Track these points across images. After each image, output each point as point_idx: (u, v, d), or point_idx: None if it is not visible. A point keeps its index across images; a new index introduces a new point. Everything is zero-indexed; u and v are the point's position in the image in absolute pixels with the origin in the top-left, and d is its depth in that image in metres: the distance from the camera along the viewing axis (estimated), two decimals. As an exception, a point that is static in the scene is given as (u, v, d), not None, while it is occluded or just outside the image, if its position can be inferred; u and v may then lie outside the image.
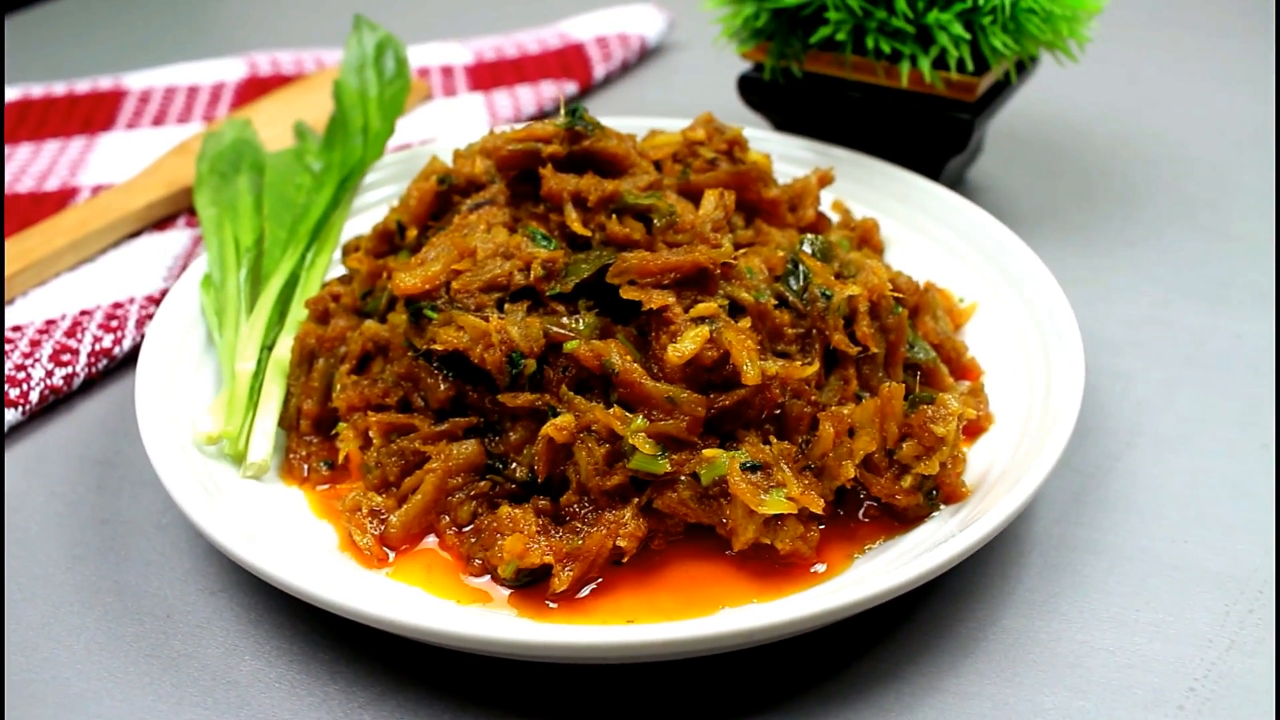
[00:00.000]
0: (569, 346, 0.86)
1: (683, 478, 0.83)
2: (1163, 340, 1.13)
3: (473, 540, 0.85)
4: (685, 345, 0.84)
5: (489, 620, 0.79)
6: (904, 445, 0.86)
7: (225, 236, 1.11)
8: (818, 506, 0.82)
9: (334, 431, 0.94)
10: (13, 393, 1.03)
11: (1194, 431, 1.02)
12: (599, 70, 1.63)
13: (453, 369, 0.90)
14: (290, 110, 1.46)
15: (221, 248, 1.09)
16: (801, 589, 0.83)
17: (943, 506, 0.88)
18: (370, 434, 0.91)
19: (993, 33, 1.13)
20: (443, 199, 1.05)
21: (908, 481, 0.86)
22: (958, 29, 1.12)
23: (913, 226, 1.17)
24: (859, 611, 0.75)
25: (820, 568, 0.85)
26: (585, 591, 0.83)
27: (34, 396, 1.04)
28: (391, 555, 0.86)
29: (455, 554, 0.86)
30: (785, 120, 1.31)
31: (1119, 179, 1.41)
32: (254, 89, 1.59)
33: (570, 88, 1.58)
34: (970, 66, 1.14)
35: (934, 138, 1.20)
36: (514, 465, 0.88)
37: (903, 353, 0.96)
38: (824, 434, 0.85)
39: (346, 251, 1.12)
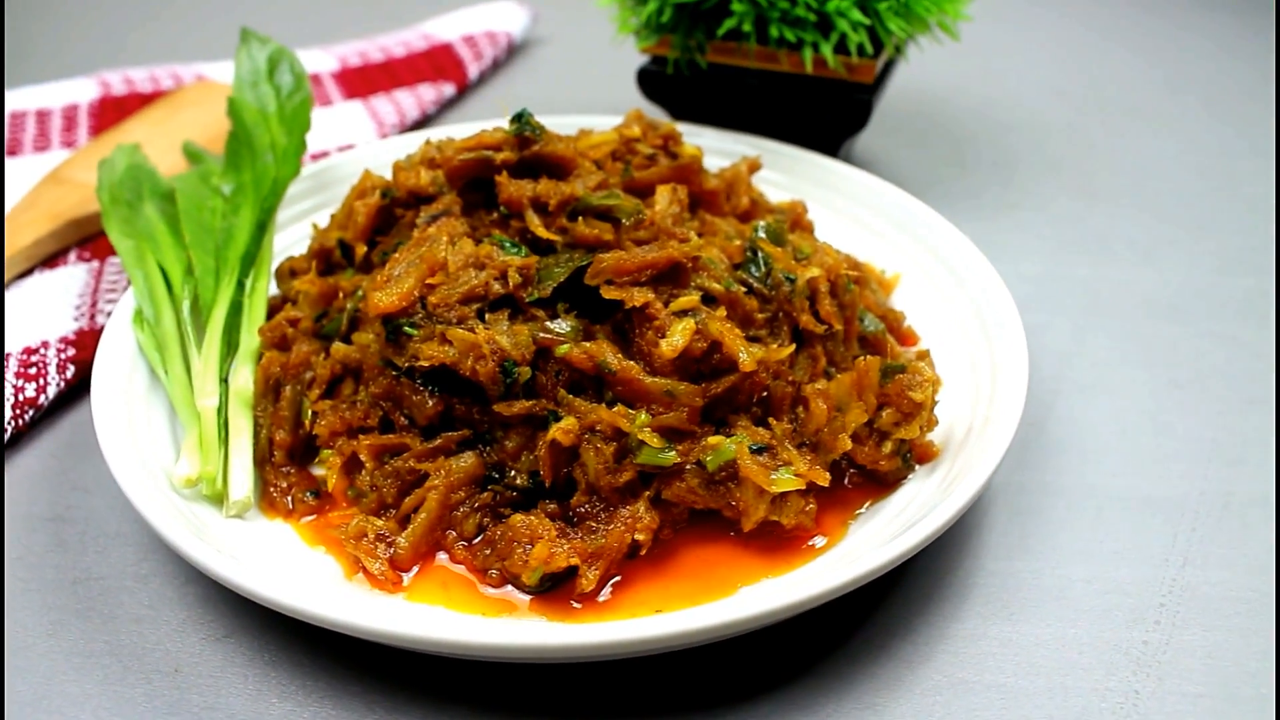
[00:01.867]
0: (561, 351, 0.87)
1: (689, 467, 0.86)
2: (1061, 294, 1.23)
3: (487, 552, 0.85)
4: (676, 339, 0.87)
5: (533, 628, 0.80)
6: (883, 413, 0.91)
7: (150, 269, 1.05)
8: (824, 480, 0.86)
9: (318, 459, 0.92)
10: (-64, 456, 0.96)
11: (1108, 374, 1.11)
12: (472, 70, 1.62)
13: (438, 384, 0.90)
14: (165, 130, 1.39)
15: (148, 281, 1.04)
16: (808, 560, 0.87)
17: (917, 467, 0.94)
18: (361, 458, 0.90)
19: (887, 17, 1.20)
20: (385, 213, 1.03)
21: (888, 447, 0.91)
22: (857, 15, 1.18)
23: (826, 205, 1.22)
24: (879, 575, 0.80)
25: (819, 540, 0.89)
26: (607, 589, 0.85)
27: (-39, 458, 0.96)
28: (405, 578, 0.85)
29: (470, 567, 0.86)
30: (683, 110, 1.34)
31: (987, 146, 1.51)
32: (111, 109, 1.51)
33: (449, 89, 1.57)
34: (870, 50, 1.21)
35: (837, 118, 1.26)
36: (513, 473, 0.89)
37: (857, 327, 1.01)
38: (817, 410, 0.89)
39: (281, 275, 1.09)
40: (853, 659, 0.84)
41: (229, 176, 1.16)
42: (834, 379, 0.94)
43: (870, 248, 1.19)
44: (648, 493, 0.86)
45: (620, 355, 0.87)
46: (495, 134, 0.98)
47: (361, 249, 1.02)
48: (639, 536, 0.84)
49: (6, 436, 1.01)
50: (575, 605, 0.84)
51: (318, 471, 0.95)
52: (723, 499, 0.86)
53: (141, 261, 1.06)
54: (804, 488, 0.85)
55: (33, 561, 0.91)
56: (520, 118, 0.99)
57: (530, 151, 0.99)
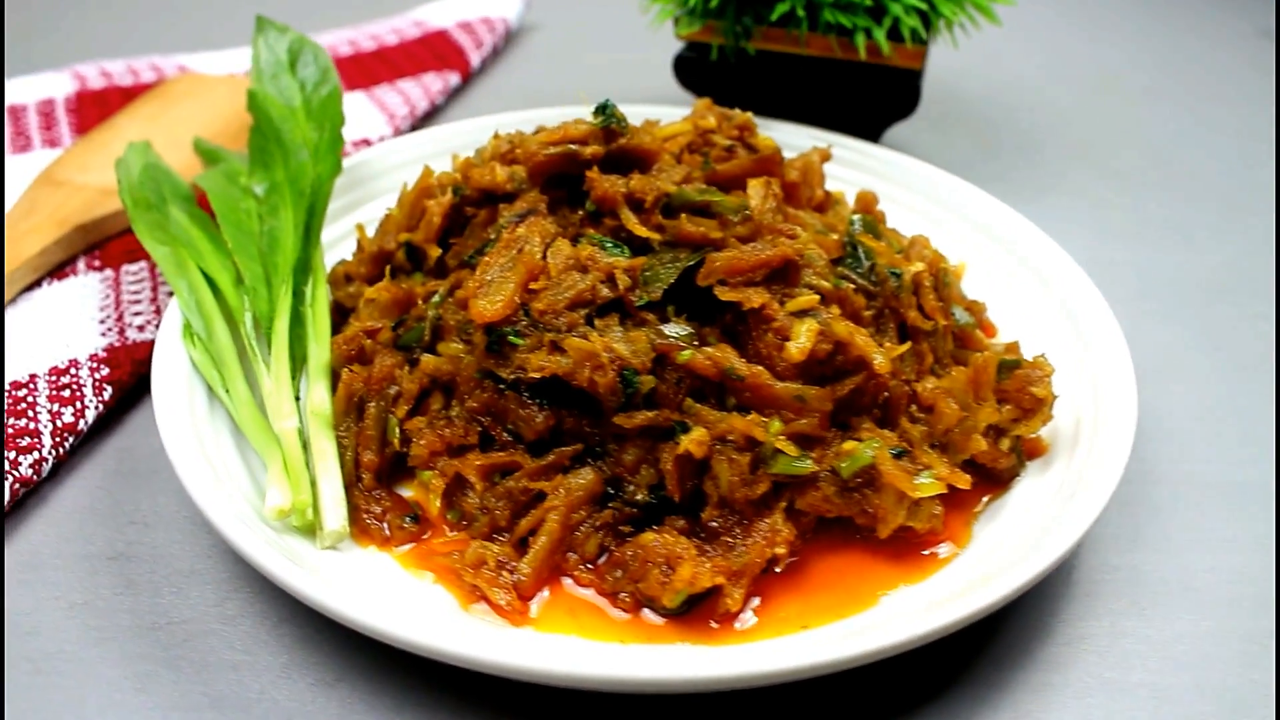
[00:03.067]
0: (683, 357, 0.82)
1: (823, 474, 0.82)
2: (1110, 279, 1.21)
3: (617, 574, 0.80)
4: (802, 341, 0.83)
5: (695, 657, 0.75)
6: (1002, 410, 0.88)
7: (193, 278, 0.97)
8: (966, 483, 0.83)
9: (416, 480, 0.85)
10: (-24, 494, 0.86)
11: (1172, 361, 1.11)
12: (474, 58, 1.55)
13: (547, 396, 0.84)
14: (160, 127, 1.29)
15: (193, 292, 0.96)
16: (942, 566, 0.84)
17: (1027, 463, 0.92)
18: (469, 479, 0.83)
19: (939, 2, 1.17)
20: (455, 213, 0.97)
21: (1005, 444, 0.89)
22: (913, 0, 1.15)
23: (886, 197, 1.19)
24: (1038, 581, 0.77)
25: (943, 548, 0.86)
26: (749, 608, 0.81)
27: (4, 494, 0.87)
28: (534, 608, 0.80)
29: (598, 591, 0.81)
30: (720, 98, 1.29)
31: (1010, 129, 1.50)
32: (90, 105, 1.39)
33: (454, 79, 1.49)
34: (924, 35, 1.18)
35: (886, 104, 1.23)
36: (631, 488, 0.84)
37: (953, 320, 0.98)
38: (947, 410, 0.86)
39: (335, 281, 1.01)
40: (998, 665, 0.81)
41: (259, 175, 1.08)
42: (946, 376, 0.91)
43: (932, 237, 1.16)
44: (782, 504, 0.82)
45: (744, 360, 0.83)
46: (580, 127, 0.93)
47: (435, 252, 0.95)
48: (778, 550, 0.80)
49: (47, 469, 0.91)
50: (714, 625, 0.79)
51: (406, 493, 0.88)
52: (857, 506, 0.82)
53: (183, 270, 0.98)
54: (945, 491, 0.82)
55: (102, 606, 0.82)
56: (605, 109, 0.93)
57: (616, 145, 0.93)
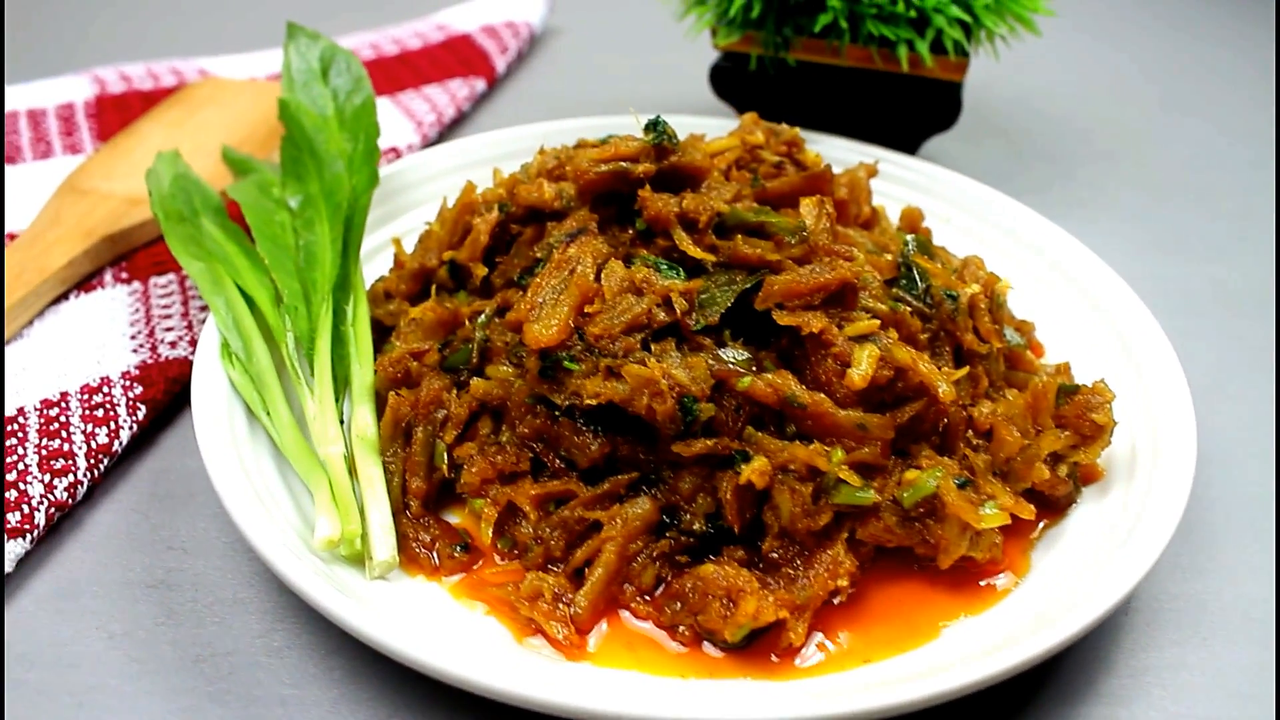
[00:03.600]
0: (743, 384, 0.80)
1: (885, 504, 0.80)
2: (1153, 293, 1.20)
3: (676, 606, 0.78)
4: (864, 368, 0.81)
5: (774, 696, 0.72)
6: (1061, 436, 0.87)
7: (230, 295, 0.95)
8: (1030, 513, 0.81)
9: (473, 509, 0.83)
10: (12, 519, 0.84)
11: (1222, 378, 1.09)
12: (499, 64, 1.52)
13: (601, 423, 0.82)
14: (185, 133, 1.27)
15: (231, 309, 0.93)
16: (1002, 597, 0.82)
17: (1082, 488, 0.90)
18: (523, 508, 0.81)
19: (983, 14, 1.15)
20: (501, 230, 0.94)
21: (1063, 470, 0.87)
22: (955, 11, 1.13)
23: (928, 212, 1.17)
24: (1115, 611, 0.75)
25: (1001, 578, 0.84)
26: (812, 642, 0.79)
27: (40, 518, 0.85)
28: (591, 642, 0.78)
29: (656, 623, 0.79)
30: (756, 110, 1.27)
31: (1040, 140, 1.48)
32: (111, 109, 1.37)
33: (480, 85, 1.47)
34: (967, 47, 1.16)
35: (926, 117, 1.22)
36: (688, 517, 0.82)
37: (1005, 342, 0.96)
38: (1009, 438, 0.84)
39: (375, 298, 0.99)
40: (1065, 700, 0.79)
41: (292, 187, 1.05)
42: (1002, 400, 0.89)
43: (967, 251, 1.14)
44: (844, 534, 0.80)
45: (804, 386, 0.81)
46: (630, 144, 0.90)
47: (481, 271, 0.93)
48: (841, 582, 0.78)
49: (82, 492, 0.89)
50: (775, 659, 0.77)
51: (453, 519, 0.86)
52: (918, 536, 0.81)
53: (220, 286, 0.95)
54: (1009, 522, 0.80)
55: (143, 637, 0.80)
56: (657, 126, 0.91)
57: (668, 162, 0.91)
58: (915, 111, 1.21)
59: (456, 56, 1.52)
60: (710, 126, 1.21)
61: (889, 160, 1.19)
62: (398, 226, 1.12)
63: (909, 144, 1.25)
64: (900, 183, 1.18)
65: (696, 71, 1.46)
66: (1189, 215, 1.35)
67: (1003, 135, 1.49)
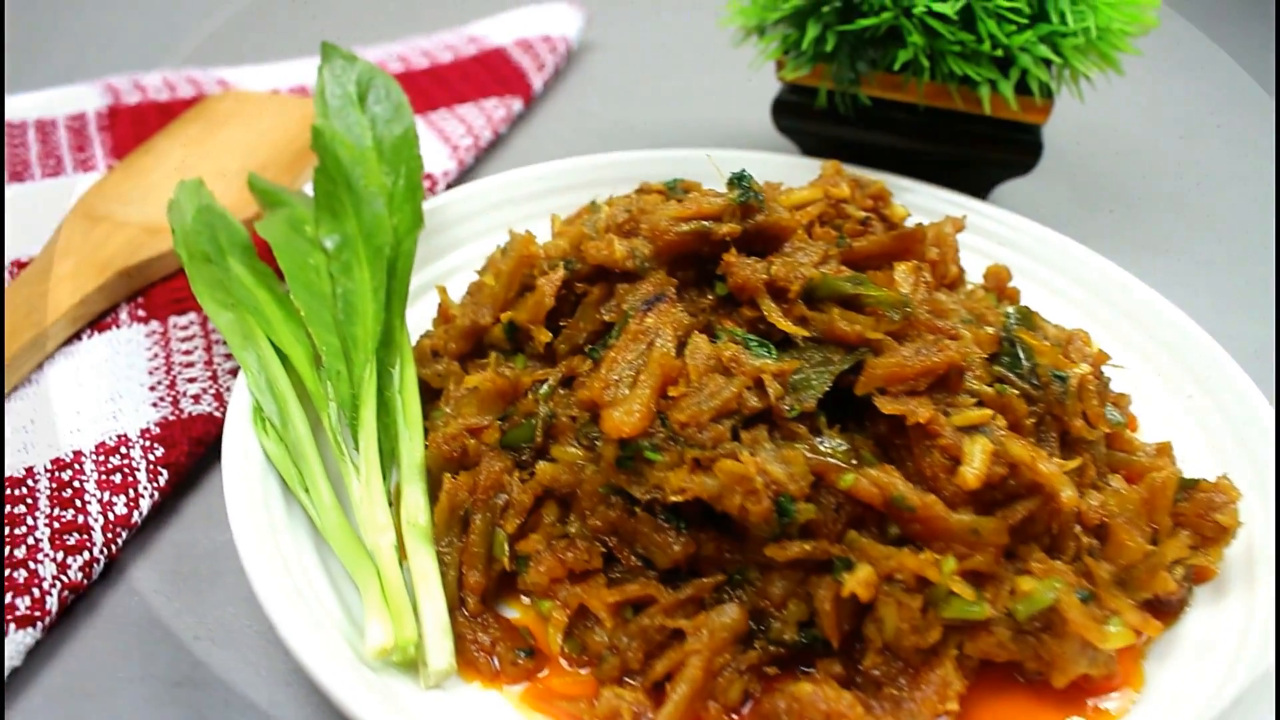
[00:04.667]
0: (845, 482, 0.72)
1: (997, 616, 0.72)
2: (1247, 354, 1.13)
3: (768, 730, 0.70)
4: (978, 465, 0.73)
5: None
6: (1179, 536, 0.79)
7: (263, 352, 0.86)
8: (1157, 631, 0.74)
9: (541, 612, 0.75)
10: (21, 604, 0.75)
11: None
12: (536, 82, 1.43)
13: (685, 519, 0.74)
14: (205, 152, 1.18)
15: (264, 368, 0.85)
16: (1122, 714, 0.75)
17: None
18: (599, 614, 0.73)
19: (1072, 56, 1.07)
20: (566, 289, 0.86)
21: (1179, 573, 0.79)
22: (1043, 50, 1.05)
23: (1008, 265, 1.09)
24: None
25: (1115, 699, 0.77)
26: (914, 771, 0.71)
27: (51, 603, 0.76)
28: (673, 767, 0.70)
29: (743, 748, 0.71)
30: (817, 145, 1.19)
31: (1107, 182, 1.41)
32: (125, 121, 1.27)
33: (516, 105, 1.38)
34: (1054, 88, 1.08)
35: (1005, 160, 1.14)
36: (778, 625, 0.74)
37: (1110, 424, 0.89)
38: (1130, 544, 0.76)
39: (422, 358, 0.90)
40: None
41: (327, 225, 0.96)
42: (1109, 491, 0.82)
43: (1054, 315, 1.06)
44: (952, 651, 0.72)
45: (913, 487, 0.73)
46: (715, 202, 0.82)
47: (545, 336, 0.84)
48: (950, 706, 0.71)
49: (98, 571, 0.80)
50: (873, 789, 0.70)
51: (510, 612, 0.78)
52: (1031, 651, 0.73)
53: (251, 341, 0.87)
54: (1136, 642, 0.73)
55: (169, 746, 0.72)
56: (741, 180, 0.83)
57: (753, 222, 0.83)
58: (994, 154, 1.13)
59: (491, 73, 1.43)
60: (777, 166, 1.13)
61: (963, 206, 1.11)
62: (439, 269, 1.04)
63: (982, 188, 1.18)
64: (978, 231, 1.10)
65: (745, 91, 1.37)
66: (1264, 264, 1.27)
67: (1068, 174, 1.41)
